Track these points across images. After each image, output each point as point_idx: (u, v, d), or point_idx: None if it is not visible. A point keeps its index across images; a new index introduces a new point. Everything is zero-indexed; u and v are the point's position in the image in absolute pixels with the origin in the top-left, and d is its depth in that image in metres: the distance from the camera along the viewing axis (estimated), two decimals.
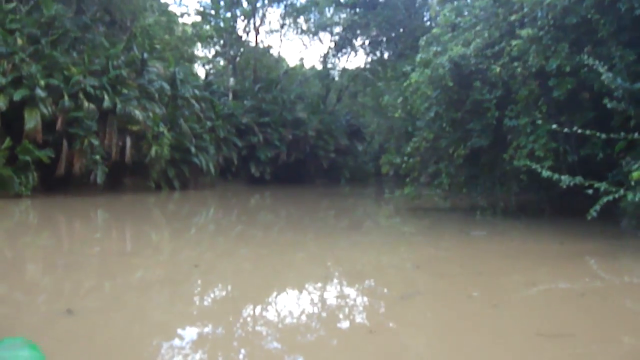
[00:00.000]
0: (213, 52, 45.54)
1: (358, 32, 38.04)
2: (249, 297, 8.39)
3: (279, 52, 63.17)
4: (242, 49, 43.29)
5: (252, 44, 44.33)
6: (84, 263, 10.90)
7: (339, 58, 43.40)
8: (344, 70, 44.83)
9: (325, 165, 40.83)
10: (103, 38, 27.46)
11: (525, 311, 7.60)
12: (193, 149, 28.95)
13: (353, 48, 42.19)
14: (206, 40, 42.86)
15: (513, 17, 16.56)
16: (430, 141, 19.29)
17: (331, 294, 8.89)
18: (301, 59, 55.76)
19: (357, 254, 12.64)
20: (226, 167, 34.60)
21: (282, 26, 44.33)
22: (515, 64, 16.43)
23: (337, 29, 41.53)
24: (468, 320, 7.11)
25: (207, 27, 42.29)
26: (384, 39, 36.86)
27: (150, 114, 25.95)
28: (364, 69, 42.92)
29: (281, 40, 59.03)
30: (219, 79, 41.15)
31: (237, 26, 42.94)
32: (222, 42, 43.12)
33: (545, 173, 14.64)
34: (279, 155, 37.30)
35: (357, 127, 46.02)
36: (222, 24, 41.88)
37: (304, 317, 7.38)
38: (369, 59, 41.96)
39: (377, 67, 40.37)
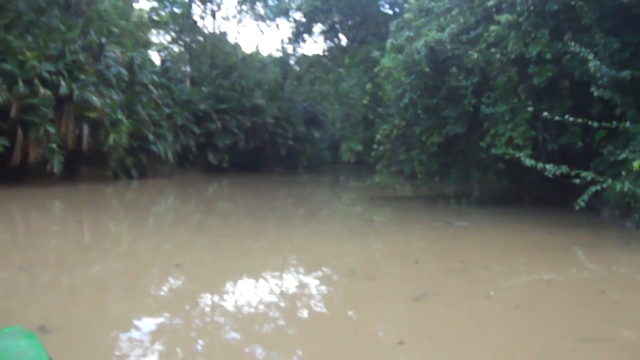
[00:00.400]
0: (168, 38, 44.03)
1: (317, 18, 37.11)
2: (207, 287, 8.21)
3: (235, 39, 62.23)
4: (198, 35, 41.86)
5: (209, 30, 43.08)
6: (40, 257, 10.34)
7: (297, 44, 42.28)
8: (303, 56, 43.78)
9: (284, 153, 39.77)
10: (59, 22, 25.78)
11: (553, 313, 6.89)
12: (151, 137, 27.67)
13: (311, 35, 41.24)
14: (162, 26, 41.33)
15: (490, 3, 15.88)
16: (402, 128, 18.56)
17: (290, 283, 8.83)
18: (257, 46, 54.74)
19: (317, 243, 12.40)
20: (184, 155, 33.32)
21: (239, 12, 43.07)
22: (493, 50, 15.79)
23: (297, 15, 40.51)
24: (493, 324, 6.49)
25: (163, 12, 40.81)
26: (346, 24, 36.01)
27: (108, 101, 24.50)
28: (323, 55, 42.05)
29: (238, 27, 57.44)
30: (176, 66, 39.72)
31: (193, 11, 41.54)
32: (177, 27, 41.63)
33: (529, 162, 14.10)
34: (237, 142, 36.09)
35: (314, 115, 45.05)
36: (178, 10, 40.48)
37: (262, 307, 7.23)
38: (327, 46, 41.15)
39: (336, 54, 39.58)
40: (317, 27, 39.53)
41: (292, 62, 44.69)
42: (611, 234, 13.28)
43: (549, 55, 14.93)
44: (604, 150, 14.70)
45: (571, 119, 13.66)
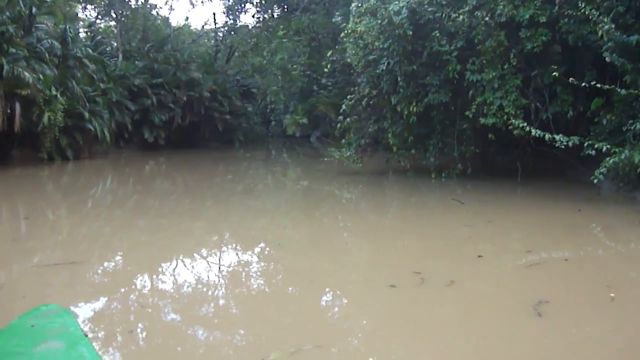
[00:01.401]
0: (96, 12, 40.44)
1: None
2: (146, 269, 7.99)
3: (169, 12, 58.61)
4: (127, 9, 38.46)
5: (139, 3, 39.76)
6: None
7: (231, 16, 39.52)
8: (236, 28, 40.98)
9: (221, 128, 37.16)
10: None
11: None
12: (87, 114, 24.62)
13: (245, 7, 38.68)
14: (90, 0, 37.78)
15: None
16: (374, 97, 16.60)
17: (229, 262, 8.69)
18: (186, 18, 51.45)
19: (255, 220, 12.11)
20: (119, 133, 30.32)
21: None
22: (478, 13, 14.00)
23: None
24: None
25: None
26: None
27: (41, 77, 21.50)
28: (255, 27, 39.61)
29: (168, 0, 53.85)
30: (106, 40, 36.35)
31: None
32: (106, 1, 38.12)
33: (535, 132, 12.48)
34: (174, 118, 33.28)
35: (247, 88, 42.57)
36: None
37: (201, 286, 7.14)
38: (261, 17, 38.70)
39: (271, 25, 37.28)
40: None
41: (224, 34, 41.94)
42: None
43: (543, 19, 13.29)
44: (603, 119, 13.26)
45: (590, 84, 12.04)
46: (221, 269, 8.19)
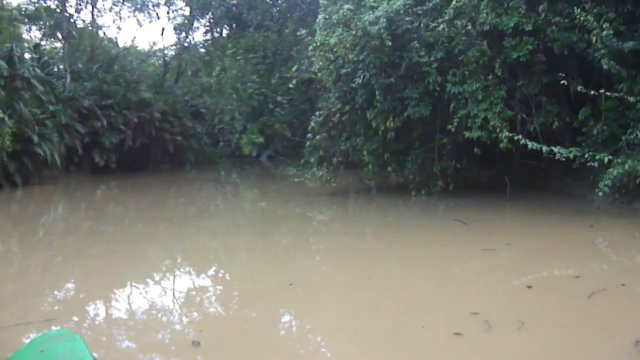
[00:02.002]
0: (41, 34, 38.32)
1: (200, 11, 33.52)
2: (100, 297, 7.71)
3: (117, 31, 56.69)
4: (74, 30, 36.53)
5: (86, 23, 37.87)
6: None
7: (180, 35, 38.07)
8: (185, 48, 39.50)
9: (172, 149, 35.49)
10: None
11: None
12: (36, 138, 22.77)
13: (191, 27, 37.32)
14: (35, 20, 35.68)
15: None
16: (346, 113, 15.52)
17: (183, 286, 8.46)
18: (133, 38, 49.71)
19: (209, 243, 11.80)
20: (69, 157, 28.41)
21: (115, 4, 37.96)
22: (458, 22, 13.12)
23: (180, 4, 36.55)
24: None
25: (32, 7, 35.26)
26: (230, 13, 32.64)
27: None
28: (204, 46, 38.33)
29: (116, 19, 51.85)
30: (53, 61, 34.29)
31: (69, 3, 36.10)
32: (52, 22, 36.07)
33: (532, 145, 11.58)
34: (124, 140, 31.39)
35: (196, 108, 41.10)
36: (49, 3, 35.16)
37: (158, 314, 6.88)
38: (209, 36, 37.47)
39: (221, 43, 36.14)
40: (203, 20, 35.98)
41: (174, 53, 40.49)
42: None
43: (529, 27, 12.46)
44: (593, 129, 12.49)
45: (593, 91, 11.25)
46: (176, 294, 7.87)
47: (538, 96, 13.09)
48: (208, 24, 36.16)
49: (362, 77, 13.85)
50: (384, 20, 13.02)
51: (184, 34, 38.23)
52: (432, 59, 13.25)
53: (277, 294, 7.22)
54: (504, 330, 5.51)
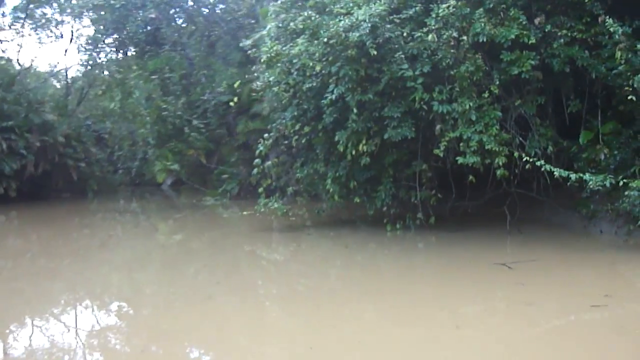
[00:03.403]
0: None
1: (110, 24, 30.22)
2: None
3: (18, 48, 51.94)
4: None
5: None
6: None
7: (85, 55, 34.30)
8: (88, 69, 35.68)
9: (75, 177, 31.54)
10: None
11: None
12: None
13: (97, 47, 33.74)
14: None
15: None
16: (305, 135, 13.00)
17: (88, 324, 7.87)
18: (33, 58, 45.03)
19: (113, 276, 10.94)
20: None
21: (14, 22, 33.56)
22: (445, 32, 11.01)
23: (84, 23, 32.89)
24: None
25: None
26: (137, 35, 29.66)
27: None
28: (108, 67, 34.90)
29: (14, 38, 46.87)
30: None
31: None
32: None
33: (559, 172, 9.54)
34: (26, 166, 27.34)
35: (99, 133, 37.44)
36: None
37: (58, 353, 6.44)
38: (116, 56, 34.11)
39: (126, 65, 32.97)
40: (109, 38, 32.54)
41: (76, 74, 36.69)
42: None
43: (532, 40, 10.53)
44: (600, 153, 10.66)
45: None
46: (79, 333, 7.31)
47: (531, 118, 11.17)
48: (116, 43, 32.66)
49: (334, 92, 11.36)
50: (368, 25, 10.68)
51: (88, 55, 34.51)
52: (417, 72, 11.00)
53: (185, 331, 6.77)
54: None
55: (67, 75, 36.79)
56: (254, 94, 18.48)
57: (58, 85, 38.53)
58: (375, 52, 10.70)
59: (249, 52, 16.55)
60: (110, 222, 22.67)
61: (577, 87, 11.37)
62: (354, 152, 11.80)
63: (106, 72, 35.98)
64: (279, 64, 12.60)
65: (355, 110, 11.22)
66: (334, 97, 11.30)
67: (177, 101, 28.53)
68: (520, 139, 11.07)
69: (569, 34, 10.64)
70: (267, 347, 6.34)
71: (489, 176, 11.24)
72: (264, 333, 6.83)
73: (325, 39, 11.24)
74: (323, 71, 11.68)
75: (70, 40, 34.57)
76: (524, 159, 10.12)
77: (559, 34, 10.66)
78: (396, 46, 11.20)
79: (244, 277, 10.31)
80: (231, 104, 19.85)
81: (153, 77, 28.43)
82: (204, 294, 8.85)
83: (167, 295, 9.01)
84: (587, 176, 9.20)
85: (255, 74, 15.98)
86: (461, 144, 10.78)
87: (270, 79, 13.16)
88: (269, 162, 13.82)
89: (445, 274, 9.31)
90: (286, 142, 13.69)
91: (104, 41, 33.16)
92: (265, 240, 13.74)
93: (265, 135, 13.91)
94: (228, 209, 21.71)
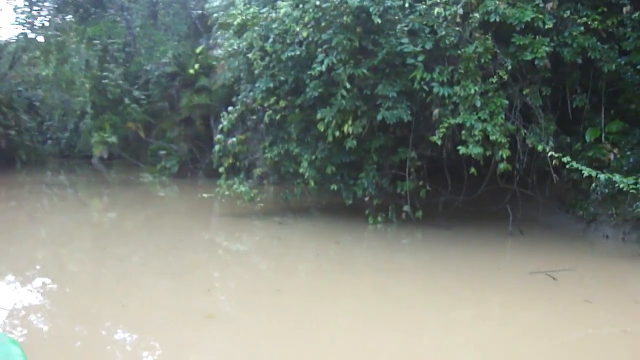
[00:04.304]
0: None
1: None
2: None
3: None
4: None
5: None
6: None
7: (21, 17, 31.29)
8: (22, 32, 32.60)
9: (3, 145, 28.66)
10: None
11: None
12: None
13: (34, 7, 30.86)
14: None
15: None
16: (281, 111, 11.35)
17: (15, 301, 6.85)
18: None
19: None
20: None
21: None
22: (451, 8, 9.65)
23: None
24: None
25: None
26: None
27: None
28: (45, 31, 32.08)
29: None
30: None
31: None
32: None
33: (589, 171, 8.32)
34: None
35: (31, 101, 34.37)
36: None
37: None
38: (53, 20, 31.32)
39: (64, 29, 30.35)
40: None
41: (10, 37, 33.54)
42: None
43: (549, 24, 9.27)
44: (610, 153, 9.56)
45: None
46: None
47: (537, 109, 9.95)
48: (56, 5, 29.89)
49: (324, 63, 9.77)
50: None
51: (24, 16, 31.49)
52: (419, 48, 9.57)
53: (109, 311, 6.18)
54: None
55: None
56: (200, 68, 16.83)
57: None
58: (379, 20, 9.16)
59: (209, 18, 14.68)
60: (36, 194, 20.79)
61: (582, 82, 10.21)
62: (337, 134, 10.26)
63: (42, 37, 32.96)
64: (256, 28, 10.89)
65: (348, 85, 9.66)
66: (323, 68, 9.69)
67: (117, 70, 26.14)
68: (525, 131, 9.81)
69: (587, 22, 9.43)
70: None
71: (487, 170, 9.94)
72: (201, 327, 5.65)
73: (317, 2, 9.64)
74: (310, 38, 10.08)
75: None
76: (549, 154, 8.81)
77: (578, 21, 9.42)
78: (396, 17, 9.73)
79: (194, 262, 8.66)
80: (191, 71, 17.84)
81: (95, 41, 25.87)
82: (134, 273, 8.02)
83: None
84: (617, 177, 8.00)
85: (212, 41, 14.10)
86: (463, 132, 9.42)
87: (241, 44, 11.44)
88: (233, 139, 12.05)
89: (432, 274, 7.94)
90: (254, 117, 12.00)
91: (43, 1, 30.25)
92: (220, 225, 12.06)
93: (230, 108, 12.16)
94: (166, 187, 20.07)
